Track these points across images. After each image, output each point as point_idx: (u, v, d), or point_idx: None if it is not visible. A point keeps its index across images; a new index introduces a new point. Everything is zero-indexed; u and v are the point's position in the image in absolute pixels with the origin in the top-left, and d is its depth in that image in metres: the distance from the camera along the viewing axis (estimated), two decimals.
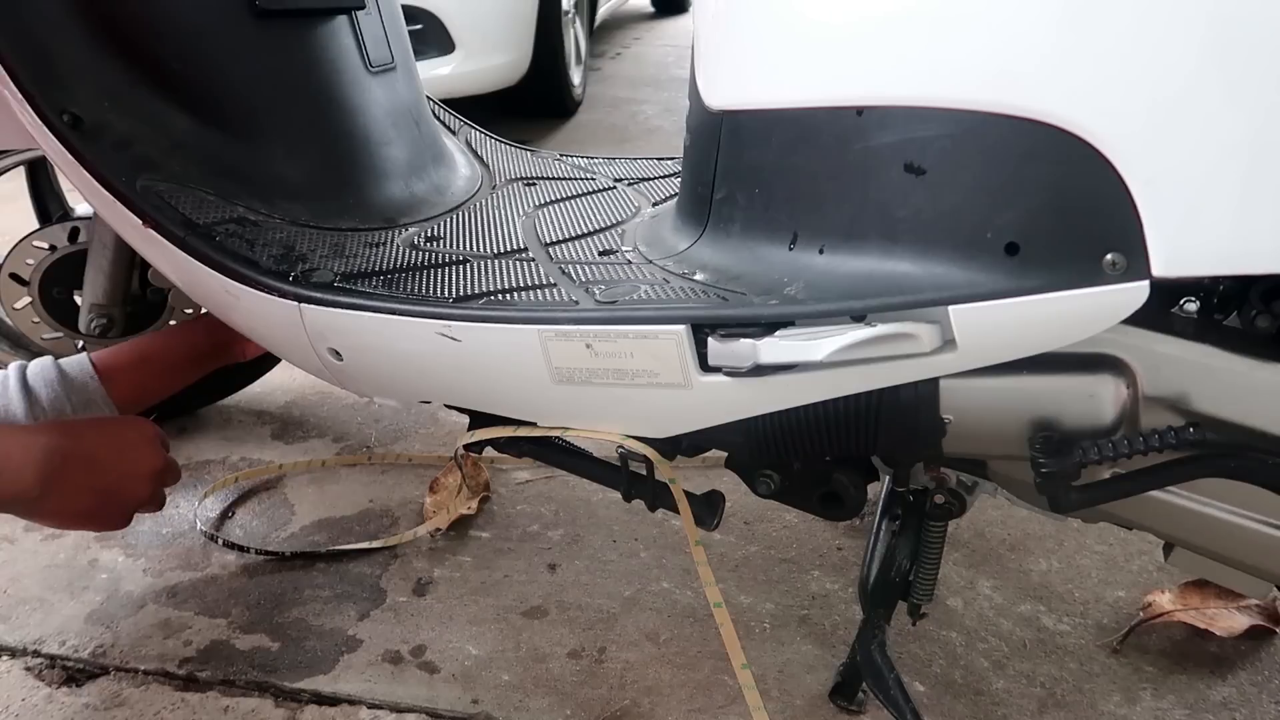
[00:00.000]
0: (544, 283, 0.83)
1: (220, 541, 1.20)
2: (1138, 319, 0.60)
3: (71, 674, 1.01)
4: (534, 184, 1.17)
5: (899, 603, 0.92)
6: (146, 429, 0.98)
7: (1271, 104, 0.52)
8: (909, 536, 0.90)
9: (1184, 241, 0.56)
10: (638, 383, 0.76)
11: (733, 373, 0.72)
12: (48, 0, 0.88)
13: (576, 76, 3.45)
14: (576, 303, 0.78)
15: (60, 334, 1.32)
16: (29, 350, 1.35)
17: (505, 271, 0.87)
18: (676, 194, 0.93)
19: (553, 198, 1.10)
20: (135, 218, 0.87)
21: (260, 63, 1.01)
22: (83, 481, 0.88)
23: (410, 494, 1.31)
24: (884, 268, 0.66)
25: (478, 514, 1.26)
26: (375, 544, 1.19)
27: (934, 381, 0.71)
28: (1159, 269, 0.56)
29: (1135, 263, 0.57)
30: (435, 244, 0.95)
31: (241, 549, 1.18)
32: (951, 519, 0.89)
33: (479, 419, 0.92)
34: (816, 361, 0.67)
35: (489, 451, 0.97)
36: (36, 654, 1.04)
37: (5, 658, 1.03)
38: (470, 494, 1.27)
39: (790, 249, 0.71)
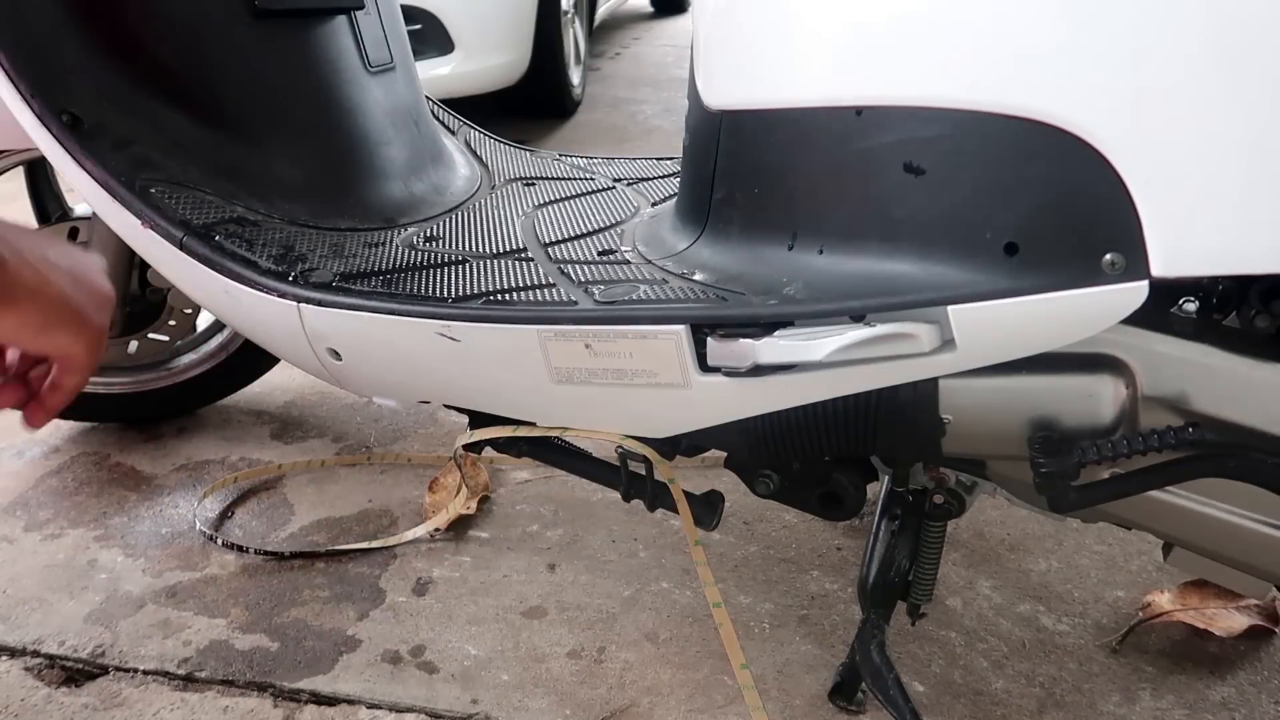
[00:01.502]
0: (543, 283, 0.83)
1: (219, 541, 1.20)
2: (1137, 319, 0.60)
3: (71, 674, 1.01)
4: (533, 184, 1.17)
5: (898, 603, 0.92)
6: (94, 258, 0.84)
7: (1271, 104, 0.52)
8: (908, 536, 0.90)
9: (1183, 241, 0.56)
10: (637, 383, 0.76)
11: (732, 373, 0.72)
12: (47, 0, 0.88)
13: (576, 76, 3.45)
14: (575, 303, 0.78)
15: None
16: None
17: (504, 271, 0.87)
18: (676, 194, 0.93)
19: (552, 198, 1.10)
20: (134, 218, 0.87)
21: (259, 63, 1.01)
22: (43, 269, 0.66)
23: (409, 494, 1.31)
24: (883, 268, 0.66)
25: (477, 514, 1.26)
26: (374, 544, 1.19)
27: (933, 381, 0.71)
28: (1158, 269, 0.57)
29: (1134, 263, 0.57)
30: (434, 244, 0.95)
31: (241, 549, 1.18)
32: (951, 519, 0.89)
33: (478, 419, 0.92)
34: (816, 361, 0.67)
35: (488, 451, 0.97)
36: (36, 654, 1.04)
37: (5, 658, 1.03)
38: (469, 494, 1.27)
39: (789, 249, 0.71)
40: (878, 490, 0.97)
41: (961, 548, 1.19)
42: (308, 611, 1.09)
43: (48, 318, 0.63)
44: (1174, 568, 0.80)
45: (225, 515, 1.27)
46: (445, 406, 0.92)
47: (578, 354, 0.76)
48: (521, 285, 0.83)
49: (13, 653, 1.04)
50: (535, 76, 3.03)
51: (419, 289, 0.84)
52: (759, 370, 0.70)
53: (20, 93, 0.86)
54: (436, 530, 1.22)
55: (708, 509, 0.88)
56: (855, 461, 0.86)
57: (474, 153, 1.27)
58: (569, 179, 1.18)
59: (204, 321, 1.44)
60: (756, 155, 0.73)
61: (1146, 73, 0.55)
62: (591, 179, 1.18)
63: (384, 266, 0.89)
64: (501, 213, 1.05)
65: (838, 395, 0.72)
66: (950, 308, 0.63)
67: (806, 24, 0.67)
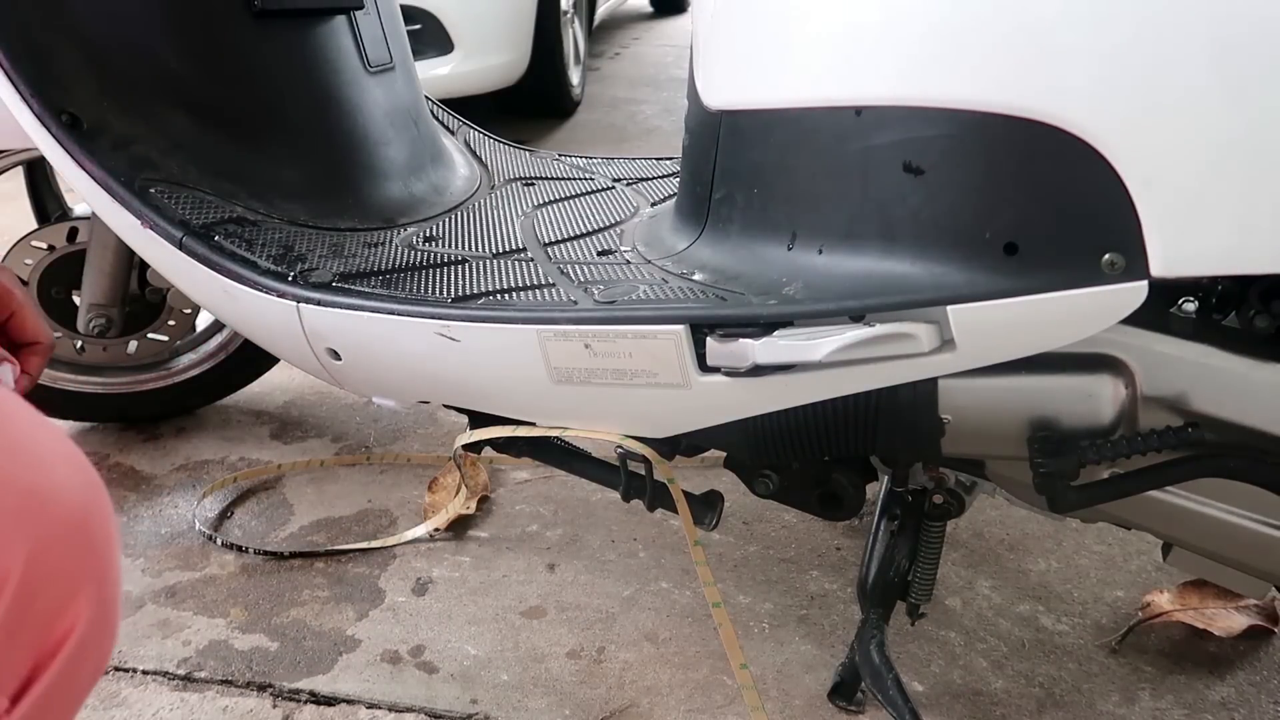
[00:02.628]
0: (543, 283, 0.83)
1: (219, 541, 1.20)
2: (1136, 319, 0.60)
3: None
4: (533, 184, 1.17)
5: (898, 603, 0.92)
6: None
7: (1270, 104, 0.52)
8: (908, 536, 0.90)
9: (1183, 241, 0.56)
10: (636, 383, 0.76)
11: (731, 373, 0.72)
12: (46, 0, 0.88)
13: (575, 76, 3.45)
14: (575, 303, 0.78)
15: (59, 334, 1.32)
16: None
17: (504, 271, 0.87)
18: (675, 194, 0.93)
19: (551, 198, 1.10)
20: (133, 218, 0.87)
21: (259, 63, 1.01)
22: None
23: (409, 494, 1.31)
24: (882, 268, 0.66)
25: (476, 514, 1.26)
26: (374, 544, 1.19)
27: (932, 381, 0.71)
28: (1158, 269, 0.57)
29: (1134, 263, 0.57)
30: (434, 244, 0.95)
31: (240, 549, 1.18)
32: (950, 519, 0.89)
33: (478, 419, 0.92)
34: (815, 362, 0.67)
35: (488, 451, 0.97)
36: None
37: None
38: (469, 494, 1.27)
39: (789, 249, 0.71)
40: (877, 490, 0.97)
41: (961, 548, 1.19)
42: (307, 611, 1.09)
43: None
44: (1174, 568, 0.80)
45: (225, 515, 1.27)
46: (445, 406, 0.92)
47: (577, 354, 0.76)
48: (521, 285, 0.83)
49: None
50: (535, 76, 3.03)
51: (418, 289, 0.84)
52: (758, 370, 0.70)
53: (20, 92, 0.86)
54: (436, 530, 1.22)
55: (707, 509, 0.88)
56: (855, 461, 0.86)
57: (473, 153, 1.27)
58: (569, 179, 1.18)
59: (204, 321, 1.44)
60: (756, 155, 0.73)
61: (1146, 72, 0.55)
62: (591, 179, 1.18)
63: (383, 266, 0.89)
64: (501, 213, 1.05)
65: (837, 395, 0.72)
66: (949, 308, 0.63)
67: (806, 24, 0.67)
